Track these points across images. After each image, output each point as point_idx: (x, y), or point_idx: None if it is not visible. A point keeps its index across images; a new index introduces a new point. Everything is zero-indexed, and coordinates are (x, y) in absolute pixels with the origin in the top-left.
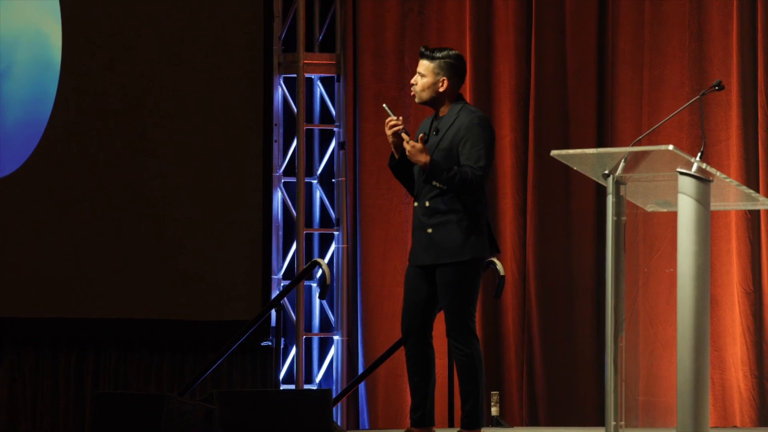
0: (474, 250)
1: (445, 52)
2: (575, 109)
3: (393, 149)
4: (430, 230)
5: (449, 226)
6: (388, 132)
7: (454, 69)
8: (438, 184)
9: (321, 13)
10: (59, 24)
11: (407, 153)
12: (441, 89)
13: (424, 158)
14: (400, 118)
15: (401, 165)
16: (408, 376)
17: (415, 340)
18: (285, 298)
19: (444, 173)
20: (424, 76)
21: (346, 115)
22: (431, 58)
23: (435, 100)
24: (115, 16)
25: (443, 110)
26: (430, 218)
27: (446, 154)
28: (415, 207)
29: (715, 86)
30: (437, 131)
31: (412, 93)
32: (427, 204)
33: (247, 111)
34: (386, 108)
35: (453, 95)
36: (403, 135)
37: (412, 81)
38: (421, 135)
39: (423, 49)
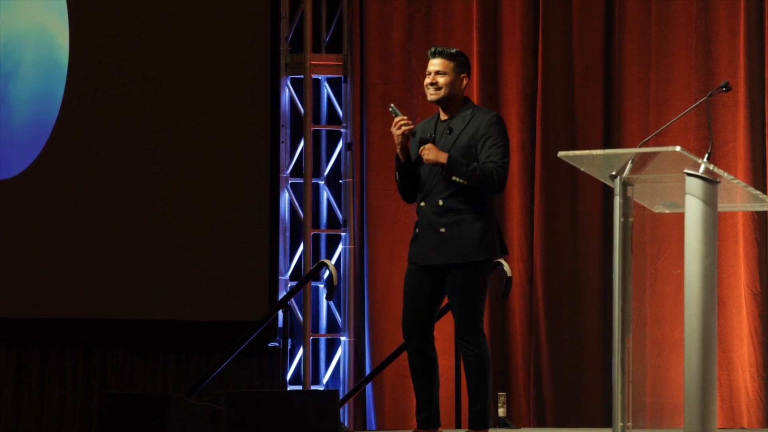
0: (488, 250)
1: (456, 50)
2: (582, 109)
3: (398, 150)
4: (442, 230)
5: (464, 226)
6: (397, 132)
7: (468, 68)
8: (458, 179)
9: (328, 13)
10: (66, 24)
11: (425, 157)
12: (461, 86)
13: (443, 156)
14: (409, 119)
15: (408, 167)
16: (412, 378)
17: (418, 341)
18: (292, 299)
19: (464, 167)
20: (445, 73)
21: (353, 116)
22: (450, 57)
23: (451, 98)
24: (121, 17)
25: (452, 110)
26: (441, 217)
27: (464, 153)
28: (422, 207)
29: (722, 87)
30: (450, 130)
31: (436, 88)
32: (440, 203)
33: (254, 112)
34: (393, 108)
35: (464, 94)
36: (411, 136)
37: (430, 80)
38: (430, 134)
39: (437, 49)
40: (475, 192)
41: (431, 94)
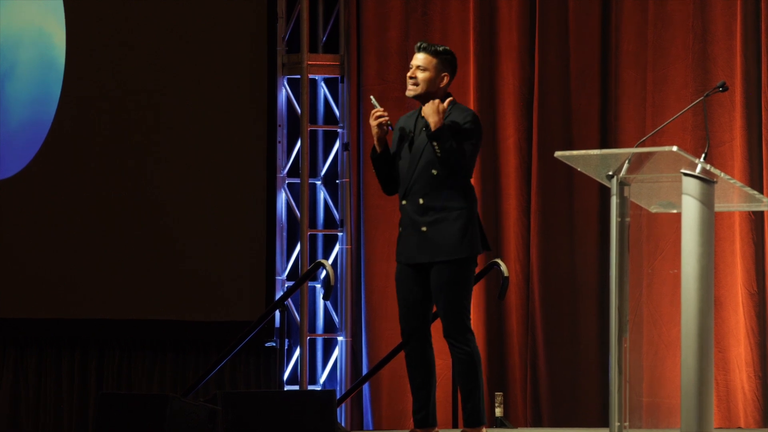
0: (471, 247)
1: (443, 48)
2: (579, 109)
3: (375, 141)
4: (424, 228)
5: (445, 224)
6: (374, 123)
7: (453, 66)
8: (437, 148)
9: (324, 13)
10: (63, 24)
11: (427, 109)
12: (441, 85)
13: (439, 119)
14: (385, 111)
15: (383, 159)
16: (409, 377)
17: (416, 341)
18: (289, 299)
19: (449, 142)
20: (426, 70)
21: (350, 116)
22: (434, 53)
23: (430, 95)
24: (118, 17)
25: None
26: (423, 216)
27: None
28: (403, 205)
29: (719, 87)
30: (427, 127)
31: (414, 84)
32: (420, 201)
33: (250, 112)
34: (373, 100)
35: (446, 92)
36: (389, 128)
37: (410, 74)
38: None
39: (423, 44)
40: (443, 167)
41: (409, 89)
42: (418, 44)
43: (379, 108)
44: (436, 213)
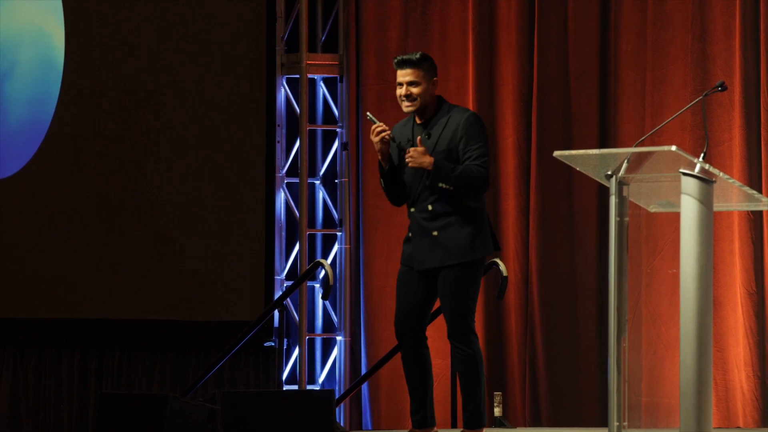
0: (482, 250)
1: (420, 54)
2: (578, 109)
3: (380, 157)
4: (435, 233)
5: (456, 227)
6: (375, 139)
7: (435, 67)
8: (445, 185)
9: (324, 13)
10: (62, 25)
11: (409, 159)
12: (434, 90)
13: (428, 159)
14: (385, 125)
15: (391, 174)
16: (406, 378)
17: (412, 341)
18: (288, 299)
19: (450, 172)
20: (419, 84)
21: (349, 116)
22: (417, 64)
23: (428, 105)
24: (117, 17)
25: (427, 113)
26: (433, 222)
27: (445, 156)
28: (412, 212)
29: (718, 87)
30: (429, 135)
31: (411, 100)
32: (429, 208)
33: (250, 112)
34: (370, 116)
35: (436, 94)
36: (391, 141)
37: (404, 92)
38: (419, 137)
39: (403, 58)
40: (461, 196)
41: (407, 107)
42: (397, 59)
43: (378, 123)
44: (447, 218)
